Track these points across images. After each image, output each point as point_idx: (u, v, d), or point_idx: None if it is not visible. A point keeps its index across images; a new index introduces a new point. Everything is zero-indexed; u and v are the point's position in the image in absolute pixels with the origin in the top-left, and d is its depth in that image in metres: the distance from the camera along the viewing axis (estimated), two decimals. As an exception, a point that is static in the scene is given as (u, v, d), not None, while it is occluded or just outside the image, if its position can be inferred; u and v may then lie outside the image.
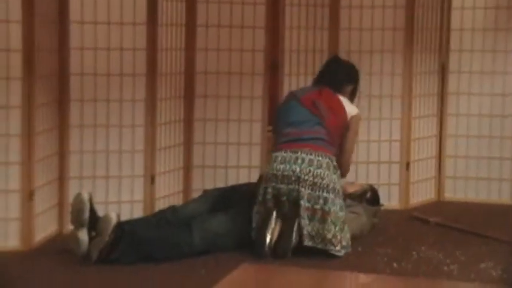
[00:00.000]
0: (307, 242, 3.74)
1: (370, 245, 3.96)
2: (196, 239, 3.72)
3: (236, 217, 3.86)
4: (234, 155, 4.60)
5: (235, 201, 3.97)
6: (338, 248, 3.73)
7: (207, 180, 4.55)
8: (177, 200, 4.43)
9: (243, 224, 3.84)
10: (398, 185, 4.79)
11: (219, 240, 3.77)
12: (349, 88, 4.14)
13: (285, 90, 4.59)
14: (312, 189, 3.75)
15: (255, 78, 4.58)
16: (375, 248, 3.93)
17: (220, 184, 4.44)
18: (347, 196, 4.16)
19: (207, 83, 4.55)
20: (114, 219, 3.61)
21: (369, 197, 4.34)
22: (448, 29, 4.97)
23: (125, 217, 3.85)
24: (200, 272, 3.52)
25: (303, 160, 3.79)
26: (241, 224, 3.84)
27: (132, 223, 3.75)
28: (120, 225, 3.63)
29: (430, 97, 4.93)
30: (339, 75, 4.11)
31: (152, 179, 4.29)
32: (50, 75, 3.99)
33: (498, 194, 4.95)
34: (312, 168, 3.77)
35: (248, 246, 3.78)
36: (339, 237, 3.73)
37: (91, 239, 3.61)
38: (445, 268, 3.65)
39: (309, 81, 4.61)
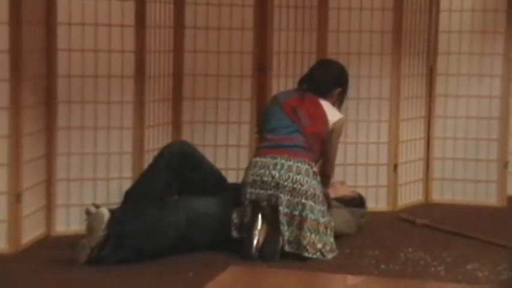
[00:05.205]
0: (287, 247, 3.74)
1: (358, 247, 3.97)
2: (183, 218, 3.72)
3: (224, 202, 3.86)
4: (222, 157, 4.59)
5: (224, 189, 3.99)
6: (312, 254, 3.72)
7: (195, 182, 4.55)
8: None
9: (230, 210, 3.84)
10: (387, 187, 4.80)
11: (203, 219, 3.76)
12: (336, 92, 4.14)
13: (274, 92, 4.59)
14: (291, 195, 3.75)
15: (244, 80, 4.58)
16: (363, 249, 3.94)
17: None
18: (335, 199, 4.17)
19: (196, 85, 4.54)
20: (106, 215, 3.57)
21: (356, 202, 4.34)
22: (436, 32, 4.98)
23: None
24: (188, 274, 3.51)
25: (282, 166, 3.79)
26: (228, 209, 3.84)
27: (118, 219, 3.64)
28: (110, 220, 3.58)
29: (418, 99, 4.94)
30: (326, 80, 4.10)
31: (140, 181, 4.28)
32: (37, 77, 3.98)
33: (485, 196, 4.96)
34: (291, 174, 3.77)
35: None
36: (313, 243, 3.72)
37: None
38: (432, 269, 3.66)
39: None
